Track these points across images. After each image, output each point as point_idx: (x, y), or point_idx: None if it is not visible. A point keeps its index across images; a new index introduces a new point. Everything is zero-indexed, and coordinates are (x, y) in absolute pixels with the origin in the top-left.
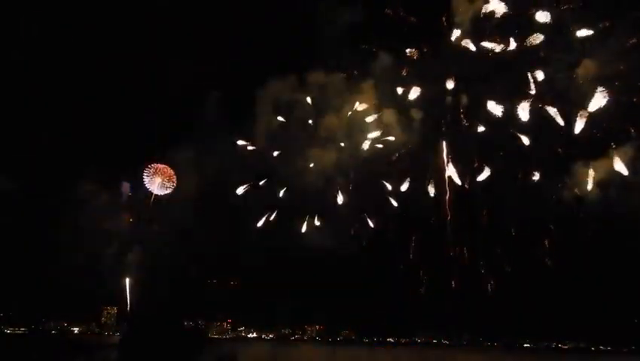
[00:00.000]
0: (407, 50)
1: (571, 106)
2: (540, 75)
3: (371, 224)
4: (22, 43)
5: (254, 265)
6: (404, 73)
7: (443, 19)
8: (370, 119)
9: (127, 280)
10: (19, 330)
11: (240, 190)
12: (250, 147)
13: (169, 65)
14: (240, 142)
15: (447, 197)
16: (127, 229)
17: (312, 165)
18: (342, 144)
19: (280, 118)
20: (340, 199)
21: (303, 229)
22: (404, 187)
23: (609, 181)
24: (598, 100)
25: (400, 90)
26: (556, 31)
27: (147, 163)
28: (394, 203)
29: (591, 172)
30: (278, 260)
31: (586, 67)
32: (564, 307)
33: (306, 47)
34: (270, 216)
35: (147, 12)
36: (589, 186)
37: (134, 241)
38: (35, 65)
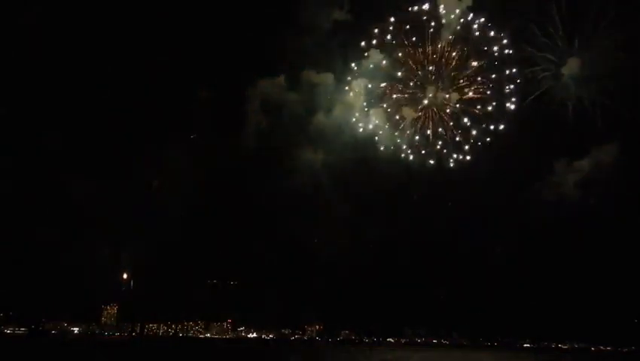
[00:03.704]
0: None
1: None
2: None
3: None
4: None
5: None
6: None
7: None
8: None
9: (125, 275)
10: (19, 330)
11: None
12: None
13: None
14: None
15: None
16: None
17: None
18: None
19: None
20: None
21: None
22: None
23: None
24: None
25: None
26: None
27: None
28: None
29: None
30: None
31: (572, 66)
32: (564, 307)
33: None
34: None
35: (139, 11)
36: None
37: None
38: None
